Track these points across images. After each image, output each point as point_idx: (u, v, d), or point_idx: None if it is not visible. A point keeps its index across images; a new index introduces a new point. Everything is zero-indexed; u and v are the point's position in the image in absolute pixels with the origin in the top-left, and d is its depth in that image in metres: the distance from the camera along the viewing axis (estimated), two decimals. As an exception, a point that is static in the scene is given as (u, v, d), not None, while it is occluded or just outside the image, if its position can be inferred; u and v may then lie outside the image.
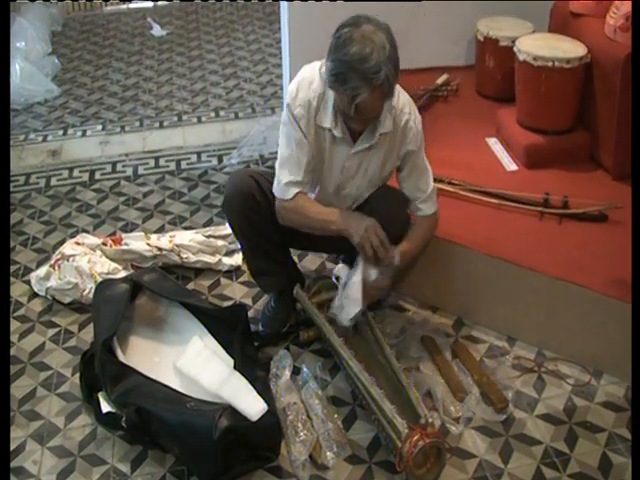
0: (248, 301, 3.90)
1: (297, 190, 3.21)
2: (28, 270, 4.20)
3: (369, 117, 3.00)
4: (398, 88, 3.15)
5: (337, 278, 3.46)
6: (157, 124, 5.89)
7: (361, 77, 2.78)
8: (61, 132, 5.81)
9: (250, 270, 3.69)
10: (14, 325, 3.84)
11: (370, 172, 3.33)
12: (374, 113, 2.99)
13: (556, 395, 3.33)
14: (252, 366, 3.28)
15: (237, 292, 3.99)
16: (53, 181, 5.14)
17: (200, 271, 4.16)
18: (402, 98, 3.26)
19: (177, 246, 4.10)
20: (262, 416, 2.95)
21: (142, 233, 4.25)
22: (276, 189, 3.27)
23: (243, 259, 4.01)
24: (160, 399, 3.06)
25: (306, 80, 3.13)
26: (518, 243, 3.62)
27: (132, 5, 8.44)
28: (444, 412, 3.22)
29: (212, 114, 5.98)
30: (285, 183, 3.21)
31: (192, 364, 3.24)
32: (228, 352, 3.35)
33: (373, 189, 3.42)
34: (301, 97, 3.10)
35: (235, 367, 3.19)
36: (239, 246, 3.62)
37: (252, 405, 2.98)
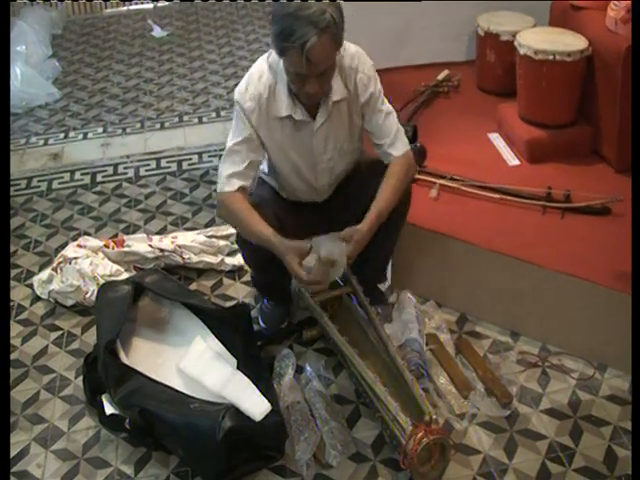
0: (251, 301, 3.89)
1: (238, 184, 3.17)
2: (30, 274, 4.20)
3: (323, 70, 2.93)
4: (345, 44, 3.08)
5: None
6: (158, 125, 5.89)
7: (307, 22, 2.76)
8: (62, 135, 5.80)
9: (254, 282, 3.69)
10: (17, 329, 3.84)
11: (339, 141, 3.31)
12: (327, 62, 2.92)
13: (560, 389, 3.32)
14: (255, 366, 3.27)
15: (240, 292, 3.99)
16: (54, 184, 5.14)
17: (202, 271, 4.15)
18: (349, 51, 3.20)
19: (179, 247, 4.10)
20: (266, 416, 2.93)
21: (144, 235, 4.24)
22: (218, 183, 3.26)
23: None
24: (163, 400, 3.06)
25: (254, 75, 3.13)
26: (521, 238, 3.61)
27: (132, 7, 8.44)
28: (448, 408, 3.21)
29: (213, 114, 5.98)
30: (227, 175, 3.18)
31: (195, 365, 3.23)
32: (231, 352, 3.34)
33: (348, 157, 3.41)
34: (251, 91, 3.10)
35: (238, 367, 3.19)
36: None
37: (256, 405, 2.97)
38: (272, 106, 3.13)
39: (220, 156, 5.06)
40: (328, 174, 3.40)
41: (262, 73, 3.12)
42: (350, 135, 3.33)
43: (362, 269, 3.51)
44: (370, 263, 3.48)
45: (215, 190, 4.73)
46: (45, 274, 4.00)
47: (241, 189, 3.17)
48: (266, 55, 3.16)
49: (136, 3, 8.47)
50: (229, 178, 3.17)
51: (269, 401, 3.00)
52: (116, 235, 4.47)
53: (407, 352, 3.31)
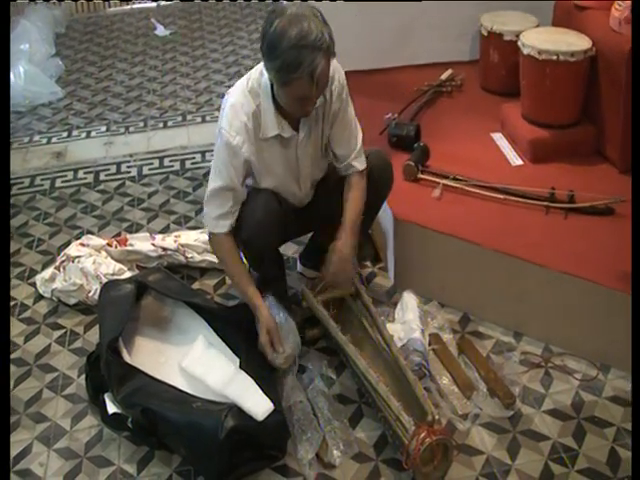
0: (253, 300, 3.87)
1: (228, 225, 3.27)
2: (33, 272, 4.20)
3: (323, 87, 3.00)
4: None
5: None
6: (161, 124, 5.89)
7: (312, 49, 2.79)
8: (65, 134, 5.81)
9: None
10: (20, 327, 3.84)
11: (317, 148, 3.38)
12: (327, 80, 2.99)
13: (563, 390, 3.31)
14: (258, 365, 3.26)
15: (242, 291, 3.97)
16: (58, 183, 5.14)
17: (205, 270, 4.15)
18: None
19: (182, 246, 4.10)
20: (268, 415, 2.93)
21: (147, 233, 4.24)
22: (206, 221, 3.35)
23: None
24: (166, 399, 3.05)
25: (235, 106, 3.13)
26: (524, 238, 3.60)
27: (135, 6, 8.44)
28: (451, 409, 3.21)
29: (216, 113, 5.93)
30: (215, 217, 3.26)
31: (197, 364, 3.23)
32: (233, 351, 3.34)
33: (323, 163, 3.49)
34: (236, 125, 3.11)
35: (240, 366, 3.19)
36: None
37: (258, 404, 2.96)
38: (259, 130, 3.15)
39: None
40: (310, 181, 3.47)
41: (241, 104, 3.13)
42: (322, 139, 3.37)
43: None
44: None
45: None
46: (48, 273, 4.00)
47: (230, 230, 3.27)
48: (243, 84, 3.17)
49: (139, 2, 8.47)
50: (217, 220, 3.27)
51: (271, 400, 2.99)
52: (119, 234, 4.47)
53: (409, 352, 3.30)
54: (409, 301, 3.62)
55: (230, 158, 3.15)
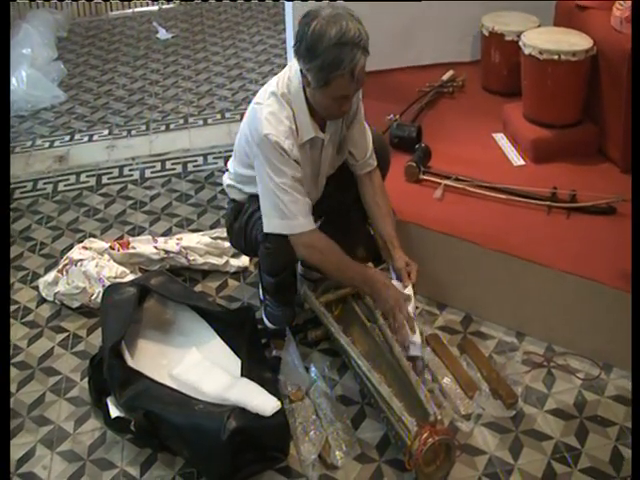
0: (256, 302, 3.88)
1: (312, 218, 3.21)
2: (36, 276, 4.20)
3: (361, 85, 3.05)
4: None
5: None
6: (163, 127, 5.89)
7: (351, 47, 2.85)
8: (68, 137, 5.81)
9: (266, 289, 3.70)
10: (23, 331, 3.84)
11: (336, 148, 3.41)
12: (364, 77, 3.02)
13: (566, 390, 3.31)
14: (260, 367, 3.27)
15: (245, 293, 3.98)
16: (60, 186, 5.14)
17: (207, 273, 4.15)
18: None
19: (184, 248, 4.10)
20: (271, 416, 2.92)
21: (149, 236, 4.24)
22: (289, 225, 3.16)
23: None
24: (168, 402, 3.06)
25: (275, 114, 3.10)
26: (526, 238, 3.61)
27: (137, 9, 8.44)
28: (453, 409, 3.21)
29: (218, 116, 5.97)
30: (297, 213, 3.13)
31: (189, 372, 3.24)
32: (236, 353, 3.34)
33: (337, 160, 3.50)
34: (282, 129, 3.08)
35: (242, 369, 3.18)
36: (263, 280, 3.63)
37: (266, 402, 2.97)
38: (299, 134, 3.15)
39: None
40: (325, 179, 3.48)
41: (279, 110, 3.11)
42: (340, 141, 3.40)
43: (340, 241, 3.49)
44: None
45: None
46: (51, 276, 4.00)
47: (315, 229, 3.23)
48: (273, 91, 3.14)
49: (141, 5, 8.47)
50: (298, 217, 3.15)
51: (273, 402, 3.00)
52: (121, 237, 4.47)
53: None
54: None
55: (286, 156, 3.08)
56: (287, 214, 3.12)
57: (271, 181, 3.11)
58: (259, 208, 3.24)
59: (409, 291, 3.34)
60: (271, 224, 3.17)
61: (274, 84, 3.17)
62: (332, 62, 2.86)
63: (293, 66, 3.12)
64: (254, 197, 3.31)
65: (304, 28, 2.91)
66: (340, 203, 3.54)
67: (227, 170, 3.56)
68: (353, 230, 3.65)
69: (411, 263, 3.41)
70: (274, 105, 3.11)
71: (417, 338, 3.25)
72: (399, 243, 3.46)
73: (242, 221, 3.41)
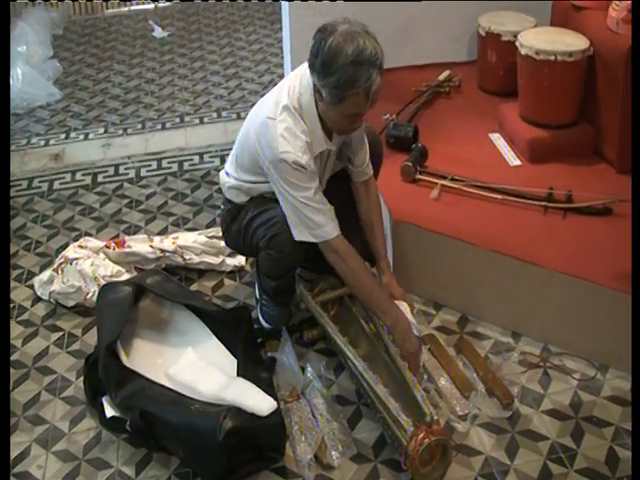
0: (251, 301, 3.88)
1: (336, 223, 3.18)
2: (31, 274, 4.19)
3: (375, 103, 3.00)
4: None
5: None
6: (159, 126, 5.87)
7: (369, 66, 2.82)
8: (63, 136, 5.79)
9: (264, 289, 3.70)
10: (18, 330, 3.83)
11: (337, 154, 3.42)
12: (378, 96, 2.99)
13: (562, 390, 3.31)
14: (256, 367, 3.28)
15: (241, 292, 3.98)
16: (56, 185, 5.13)
17: (203, 272, 4.15)
18: None
19: (180, 247, 4.09)
20: (267, 416, 2.93)
21: (145, 235, 4.24)
22: (315, 235, 3.16)
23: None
24: (164, 402, 3.06)
25: (291, 129, 3.07)
26: (522, 238, 3.61)
27: (133, 8, 8.42)
28: (450, 409, 3.21)
29: (214, 115, 5.96)
30: (324, 220, 3.13)
31: (186, 372, 3.24)
32: (231, 353, 3.34)
33: (336, 167, 3.51)
34: (299, 145, 3.06)
35: (238, 368, 3.19)
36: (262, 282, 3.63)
37: (262, 402, 2.97)
38: (313, 148, 3.14)
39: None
40: (324, 185, 3.46)
41: (295, 124, 3.08)
42: (341, 147, 3.41)
43: None
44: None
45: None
46: (46, 275, 3.99)
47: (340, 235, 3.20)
48: (285, 105, 3.10)
49: (137, 3, 8.45)
50: (327, 224, 3.15)
51: (269, 402, 3.00)
52: (117, 236, 4.46)
53: None
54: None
55: (304, 171, 3.06)
56: (312, 226, 3.13)
57: (291, 197, 3.11)
58: (261, 212, 3.27)
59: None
60: (300, 234, 3.17)
61: (285, 97, 3.11)
62: (347, 80, 2.83)
63: (304, 78, 3.09)
64: (255, 200, 3.32)
65: (320, 43, 2.87)
66: (336, 205, 3.53)
67: (225, 171, 3.54)
68: (349, 230, 3.64)
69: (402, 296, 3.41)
70: (289, 120, 3.08)
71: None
72: (387, 263, 3.50)
73: (241, 224, 3.40)
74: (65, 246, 4.28)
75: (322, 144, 3.16)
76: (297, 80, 3.13)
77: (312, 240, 3.16)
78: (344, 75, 2.82)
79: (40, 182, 5.18)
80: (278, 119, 3.08)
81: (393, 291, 3.37)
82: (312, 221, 3.11)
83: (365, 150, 3.47)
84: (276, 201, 3.24)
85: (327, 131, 3.17)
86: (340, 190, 3.51)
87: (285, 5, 4.88)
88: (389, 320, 3.19)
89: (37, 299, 4.02)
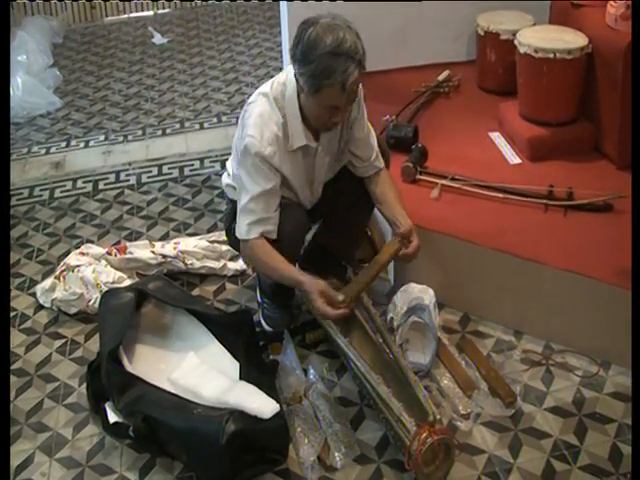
0: (253, 305, 3.87)
1: (259, 231, 3.20)
2: (33, 282, 4.19)
3: (353, 98, 3.03)
4: None
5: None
6: (160, 132, 5.88)
7: (346, 58, 2.84)
8: (64, 144, 5.80)
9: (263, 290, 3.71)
10: (20, 338, 3.83)
11: (334, 156, 3.41)
12: (357, 92, 3.03)
13: (564, 387, 3.31)
14: (258, 370, 3.27)
15: (242, 296, 3.98)
16: (57, 193, 5.13)
17: (205, 277, 4.14)
18: None
19: (182, 253, 4.09)
20: (269, 418, 2.93)
21: (146, 241, 4.24)
22: (238, 231, 3.26)
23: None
24: (167, 407, 3.06)
25: (264, 116, 3.11)
26: (523, 236, 3.61)
27: (132, 15, 8.42)
28: (452, 408, 3.20)
29: (214, 120, 5.97)
30: (247, 224, 3.20)
31: (188, 376, 3.24)
32: (234, 357, 3.34)
33: (337, 167, 3.51)
34: (267, 135, 3.09)
35: (241, 372, 3.18)
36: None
37: (265, 404, 2.97)
38: (287, 142, 3.15)
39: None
40: (321, 186, 3.48)
41: (269, 114, 3.12)
42: (340, 145, 3.40)
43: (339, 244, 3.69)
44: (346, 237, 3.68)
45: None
46: (48, 282, 3.99)
47: (261, 235, 3.20)
48: (266, 93, 3.16)
49: (136, 10, 8.46)
50: (249, 226, 3.20)
51: (272, 405, 3.00)
52: (118, 242, 4.46)
53: (414, 313, 3.43)
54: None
55: (263, 164, 3.10)
56: (242, 220, 3.22)
57: (245, 192, 3.19)
58: None
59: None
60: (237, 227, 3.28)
61: (268, 86, 3.18)
62: (324, 70, 2.85)
63: (290, 72, 3.11)
64: None
65: (301, 33, 2.91)
66: (338, 206, 3.53)
67: (226, 169, 3.57)
68: (351, 232, 3.65)
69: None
70: (265, 106, 3.13)
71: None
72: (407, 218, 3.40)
73: None
74: (67, 253, 4.27)
75: (302, 139, 3.16)
76: (284, 74, 3.17)
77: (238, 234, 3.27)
78: (321, 65, 2.84)
79: (41, 190, 5.18)
80: (255, 104, 3.16)
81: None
82: (242, 216, 3.21)
83: (371, 145, 3.46)
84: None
85: (311, 128, 3.18)
86: (343, 192, 3.52)
87: (283, 5, 4.87)
88: (303, 289, 3.21)
89: (39, 307, 4.02)
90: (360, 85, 3.23)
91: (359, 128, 3.38)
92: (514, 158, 4.23)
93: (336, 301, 3.09)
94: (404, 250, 3.29)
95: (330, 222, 3.66)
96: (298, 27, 2.97)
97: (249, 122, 3.13)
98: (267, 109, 3.12)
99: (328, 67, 2.83)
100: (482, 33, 4.85)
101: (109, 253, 4.08)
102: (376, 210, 3.57)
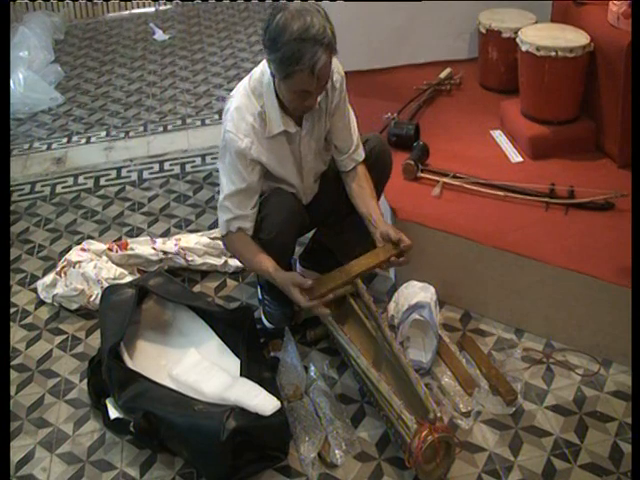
0: (254, 302, 3.88)
1: (236, 226, 3.26)
2: (34, 278, 4.20)
3: (325, 82, 3.01)
4: None
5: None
6: (161, 128, 5.88)
7: (313, 43, 2.81)
8: (65, 140, 5.80)
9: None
10: (21, 333, 3.84)
11: (319, 141, 3.39)
12: (328, 75, 3.00)
13: (565, 386, 3.31)
14: (259, 367, 3.27)
15: (243, 293, 3.98)
16: (58, 189, 5.14)
17: (206, 273, 4.15)
18: None
19: (183, 249, 4.09)
20: (270, 415, 2.92)
21: (148, 237, 4.24)
22: (220, 226, 3.36)
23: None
24: (168, 403, 3.06)
25: (240, 109, 3.14)
26: (524, 234, 3.60)
27: (134, 11, 8.43)
28: (453, 406, 3.21)
29: (216, 116, 5.96)
30: (225, 221, 3.27)
31: (189, 373, 3.24)
32: (235, 353, 3.34)
33: (325, 156, 3.48)
34: (243, 127, 3.12)
35: (242, 368, 3.18)
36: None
37: (266, 401, 2.96)
38: (265, 129, 3.16)
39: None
40: (312, 175, 3.47)
41: (246, 105, 3.14)
42: (324, 131, 3.38)
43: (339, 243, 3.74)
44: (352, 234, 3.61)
45: (218, 192, 4.77)
46: (49, 278, 4.00)
47: (238, 229, 3.27)
48: (245, 86, 3.19)
49: (138, 7, 8.46)
50: (230, 222, 3.26)
51: (273, 402, 3.00)
52: (120, 238, 4.46)
53: (415, 311, 3.41)
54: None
55: (240, 160, 3.15)
56: (222, 215, 3.31)
57: (224, 186, 3.26)
58: (261, 207, 3.27)
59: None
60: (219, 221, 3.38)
61: (247, 79, 3.20)
62: (292, 56, 2.83)
63: None
64: None
65: (269, 19, 2.89)
66: (340, 205, 3.52)
67: None
68: (350, 233, 3.64)
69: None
70: (242, 100, 3.15)
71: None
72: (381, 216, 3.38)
73: None
74: (68, 249, 4.27)
75: (279, 125, 3.15)
76: (264, 61, 3.14)
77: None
78: (288, 51, 2.82)
79: (42, 186, 5.19)
80: (233, 97, 3.20)
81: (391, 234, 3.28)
82: (221, 211, 3.30)
83: (350, 136, 3.43)
84: (270, 193, 3.33)
85: (290, 114, 3.17)
86: (340, 195, 3.51)
87: (283, 3, 4.89)
88: (277, 283, 3.22)
89: (40, 302, 4.03)
90: (342, 73, 3.27)
91: (339, 116, 3.36)
92: (515, 156, 4.23)
93: (305, 287, 3.11)
94: (394, 259, 3.28)
95: (331, 221, 3.65)
96: (269, 14, 2.95)
97: (227, 117, 3.18)
98: (244, 101, 3.14)
99: (296, 53, 2.81)
100: (484, 31, 4.85)
101: (110, 249, 4.09)
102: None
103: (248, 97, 3.14)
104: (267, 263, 3.19)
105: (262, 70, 3.12)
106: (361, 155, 3.47)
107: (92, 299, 3.86)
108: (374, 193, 3.43)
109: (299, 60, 2.82)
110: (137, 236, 4.47)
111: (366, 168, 3.48)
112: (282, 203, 3.29)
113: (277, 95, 3.10)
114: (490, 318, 3.67)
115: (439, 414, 2.89)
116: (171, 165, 5.32)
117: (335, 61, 3.17)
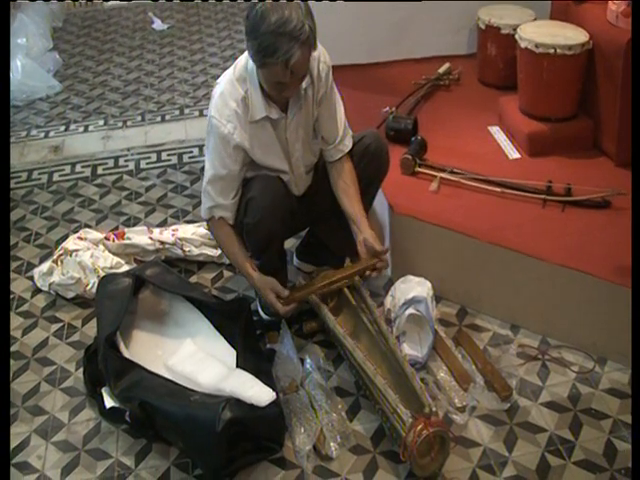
0: (251, 293, 3.87)
1: (219, 215, 3.32)
2: (31, 266, 4.20)
3: (302, 76, 3.02)
4: None
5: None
6: (159, 118, 5.88)
7: (289, 39, 2.80)
8: (63, 128, 5.81)
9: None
10: (17, 321, 3.84)
11: (307, 129, 3.39)
12: (305, 69, 3.00)
13: (560, 382, 3.31)
14: (255, 358, 3.27)
15: (240, 284, 3.98)
16: (55, 177, 5.14)
17: (203, 264, 4.16)
18: None
19: (180, 239, 4.10)
20: (266, 406, 2.93)
21: (144, 227, 4.24)
22: (202, 211, 3.44)
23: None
24: (163, 393, 3.06)
25: (224, 95, 3.16)
26: (521, 231, 3.60)
27: (133, 0, 8.41)
28: (448, 401, 3.21)
29: (214, 107, 5.95)
30: (207, 208, 3.34)
31: (185, 363, 3.25)
32: (230, 344, 3.34)
33: (314, 146, 3.48)
34: (226, 113, 3.14)
35: (238, 360, 3.19)
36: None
37: (261, 392, 2.97)
38: (248, 114, 3.16)
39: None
40: (302, 166, 3.46)
41: (229, 92, 3.15)
42: (312, 119, 3.38)
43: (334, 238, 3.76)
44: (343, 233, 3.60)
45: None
46: (46, 266, 4.00)
47: (221, 218, 3.33)
48: (230, 72, 3.19)
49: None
50: (212, 209, 3.33)
51: (269, 393, 3.01)
52: (117, 228, 4.47)
53: (411, 306, 3.41)
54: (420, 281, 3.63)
55: (223, 146, 3.18)
56: (205, 201, 3.38)
57: (207, 171, 3.31)
58: (246, 191, 3.29)
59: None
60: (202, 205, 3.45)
61: (233, 66, 3.20)
62: (267, 48, 2.82)
63: None
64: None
65: (251, 7, 2.88)
66: (332, 205, 3.51)
67: None
68: (347, 229, 3.64)
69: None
70: (226, 86, 3.16)
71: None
72: (366, 219, 3.40)
73: None
74: (65, 238, 4.29)
75: (262, 110, 3.15)
76: None
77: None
78: (264, 43, 2.81)
79: (40, 174, 5.19)
80: (218, 84, 3.22)
81: (374, 246, 3.31)
82: (204, 197, 3.36)
83: (335, 126, 3.43)
84: (256, 178, 3.35)
85: (278, 100, 3.18)
86: (331, 195, 3.52)
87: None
88: (251, 282, 3.32)
89: (37, 290, 4.03)
90: (329, 63, 3.28)
91: (326, 107, 3.36)
92: (513, 153, 4.23)
93: (282, 296, 3.21)
94: (369, 272, 3.36)
95: (327, 216, 3.66)
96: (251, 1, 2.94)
97: (212, 104, 3.21)
98: (228, 87, 3.15)
99: (271, 46, 2.80)
100: (483, 27, 4.85)
101: (107, 238, 4.09)
102: (375, 205, 3.58)
103: (232, 83, 3.15)
104: (246, 260, 3.30)
105: (247, 57, 3.10)
106: (347, 146, 3.47)
107: (88, 288, 3.87)
108: (359, 193, 3.44)
109: (273, 53, 2.82)
110: (134, 226, 4.48)
111: (362, 164, 3.50)
112: (267, 187, 3.29)
113: (259, 80, 3.11)
114: (486, 314, 3.68)
115: (434, 409, 2.90)
116: (168, 155, 5.33)
117: (322, 50, 3.20)
